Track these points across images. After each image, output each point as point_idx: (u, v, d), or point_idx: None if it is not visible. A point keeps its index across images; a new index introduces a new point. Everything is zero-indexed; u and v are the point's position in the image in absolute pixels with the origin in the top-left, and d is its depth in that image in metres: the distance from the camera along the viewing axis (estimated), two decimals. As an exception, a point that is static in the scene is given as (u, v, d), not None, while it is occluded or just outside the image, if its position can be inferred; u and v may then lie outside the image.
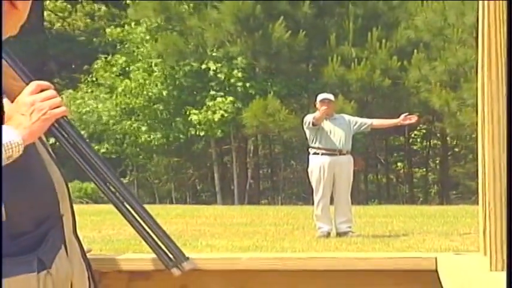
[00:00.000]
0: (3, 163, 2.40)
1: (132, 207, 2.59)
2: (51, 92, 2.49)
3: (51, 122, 2.50)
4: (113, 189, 2.58)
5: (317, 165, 13.73)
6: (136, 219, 2.60)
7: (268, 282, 3.03)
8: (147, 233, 2.61)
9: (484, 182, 2.68)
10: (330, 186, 13.66)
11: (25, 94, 2.47)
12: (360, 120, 14.50)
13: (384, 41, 28.52)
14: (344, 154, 13.77)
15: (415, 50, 28.29)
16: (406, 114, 14.33)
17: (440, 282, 2.74)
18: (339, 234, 13.48)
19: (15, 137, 2.41)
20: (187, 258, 2.61)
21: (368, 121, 14.57)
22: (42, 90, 2.49)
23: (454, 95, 27.37)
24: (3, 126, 2.43)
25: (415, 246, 11.97)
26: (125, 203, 2.59)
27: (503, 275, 2.54)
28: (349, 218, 13.78)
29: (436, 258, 2.94)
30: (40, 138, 2.56)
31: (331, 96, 14.11)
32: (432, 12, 28.50)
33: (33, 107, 2.46)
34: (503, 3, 2.60)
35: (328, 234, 13.51)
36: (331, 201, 13.77)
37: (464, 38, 26.61)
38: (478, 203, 2.86)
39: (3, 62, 2.50)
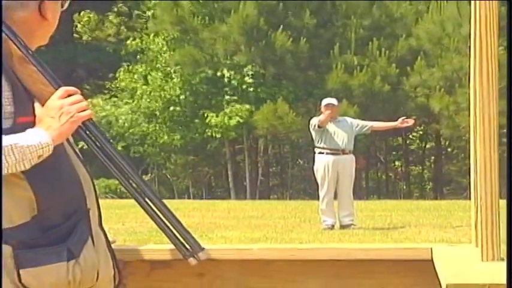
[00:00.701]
0: (35, 162, 2.41)
1: (152, 202, 2.59)
2: (78, 96, 2.50)
3: (78, 124, 2.50)
4: (134, 186, 2.59)
5: (322, 163, 13.73)
6: (156, 213, 2.60)
7: (277, 270, 3.02)
8: (166, 225, 2.61)
9: (475, 179, 2.67)
10: (334, 183, 13.65)
11: (54, 98, 2.48)
12: (361, 122, 14.49)
13: (383, 49, 28.55)
14: (347, 153, 13.76)
15: (416, 58, 28.34)
16: (404, 117, 14.34)
17: (435, 271, 2.73)
18: (342, 227, 13.47)
19: (45, 137, 2.41)
20: (203, 248, 2.61)
21: (369, 123, 14.57)
22: (69, 95, 2.50)
23: (451, 99, 27.39)
24: (35, 128, 2.43)
25: (412, 238, 11.94)
26: (146, 198, 2.59)
27: (493, 265, 2.53)
28: (352, 212, 13.77)
29: (431, 249, 2.93)
30: (68, 139, 2.56)
31: (334, 101, 14.11)
32: (432, 24, 28.53)
33: (62, 110, 2.46)
34: (494, 7, 2.59)
35: (332, 227, 13.50)
36: (335, 197, 13.76)
37: (460, 47, 26.57)
38: (469, 198, 2.85)
39: (34, 68, 2.50)
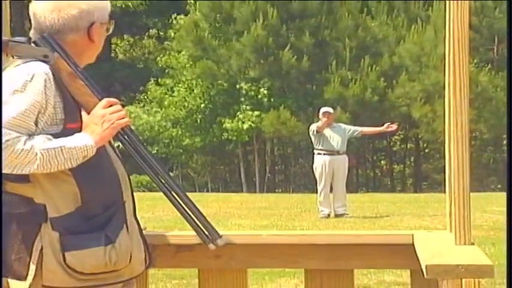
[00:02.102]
0: (80, 161, 2.43)
1: (178, 195, 2.59)
2: (118, 106, 2.52)
3: (118, 129, 2.52)
4: (163, 181, 2.59)
5: (320, 162, 13.72)
6: (180, 204, 2.60)
7: (282, 253, 3.02)
8: (189, 215, 2.60)
9: (450, 176, 2.66)
10: (329, 179, 13.63)
11: (98, 108, 2.50)
12: (353, 128, 14.48)
13: (374, 66, 28.64)
14: (341, 154, 13.75)
15: (399, 73, 28.44)
16: (389, 123, 14.33)
17: (416, 254, 2.72)
18: (337, 216, 13.44)
19: (89, 141, 2.44)
20: (221, 236, 2.61)
21: (359, 128, 14.58)
22: (111, 105, 2.51)
23: (429, 108, 27.47)
24: (81, 133, 2.46)
25: (395, 225, 11.91)
26: (172, 192, 2.59)
27: (465, 248, 2.53)
28: (344, 203, 13.75)
29: (412, 235, 2.93)
30: (109, 142, 2.57)
31: (330, 110, 14.11)
32: (413, 44, 28.61)
33: (104, 118, 2.48)
34: (466, 30, 2.59)
35: (329, 216, 13.48)
36: (331, 190, 13.74)
37: (436, 64, 26.59)
38: (444, 192, 2.84)
39: (82, 82, 2.52)
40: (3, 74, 2.48)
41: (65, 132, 2.44)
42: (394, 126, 14.37)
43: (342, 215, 13.44)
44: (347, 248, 3.00)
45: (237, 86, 29.77)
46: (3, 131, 2.32)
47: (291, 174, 32.38)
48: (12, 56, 2.53)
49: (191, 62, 31.00)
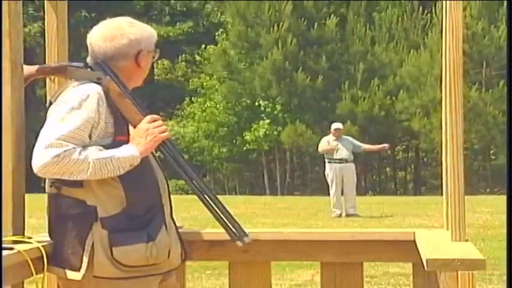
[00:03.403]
0: (127, 169, 2.45)
1: (210, 197, 2.58)
2: (160, 122, 2.55)
3: (159, 142, 2.53)
4: (196, 185, 2.58)
5: (331, 169, 13.78)
6: (212, 206, 2.59)
7: (300, 248, 3.02)
8: (220, 215, 2.59)
9: (446, 181, 2.66)
10: (340, 183, 13.67)
11: (143, 123, 2.53)
12: (357, 142, 14.58)
13: (381, 86, 28.81)
14: (349, 162, 13.86)
15: (400, 91, 28.58)
16: (384, 145, 15.23)
17: (417, 249, 2.71)
18: (348, 216, 13.42)
19: (135, 152, 2.46)
20: (247, 234, 2.59)
21: (362, 145, 14.74)
22: (154, 121, 2.54)
23: (427, 121, 27.53)
24: (128, 145, 2.47)
25: (399, 224, 11.86)
26: (205, 195, 2.58)
27: (460, 244, 2.51)
28: (354, 204, 13.74)
29: (414, 232, 2.91)
30: (151, 152, 2.59)
31: (340, 125, 14.29)
32: (412, 66, 28.78)
33: (147, 132, 2.50)
34: (459, 54, 2.59)
35: (340, 216, 13.46)
36: (342, 193, 13.73)
37: (433, 83, 26.60)
38: (441, 194, 2.84)
39: (130, 101, 2.54)
40: (62, 94, 2.53)
41: (115, 144, 2.46)
42: (386, 147, 15.51)
43: (352, 215, 13.42)
44: (357, 244, 2.99)
45: (256, 104, 30.08)
46: (62, 142, 2.36)
47: (308, 180, 32.30)
48: (70, 79, 2.58)
49: (220, 83, 31.33)
